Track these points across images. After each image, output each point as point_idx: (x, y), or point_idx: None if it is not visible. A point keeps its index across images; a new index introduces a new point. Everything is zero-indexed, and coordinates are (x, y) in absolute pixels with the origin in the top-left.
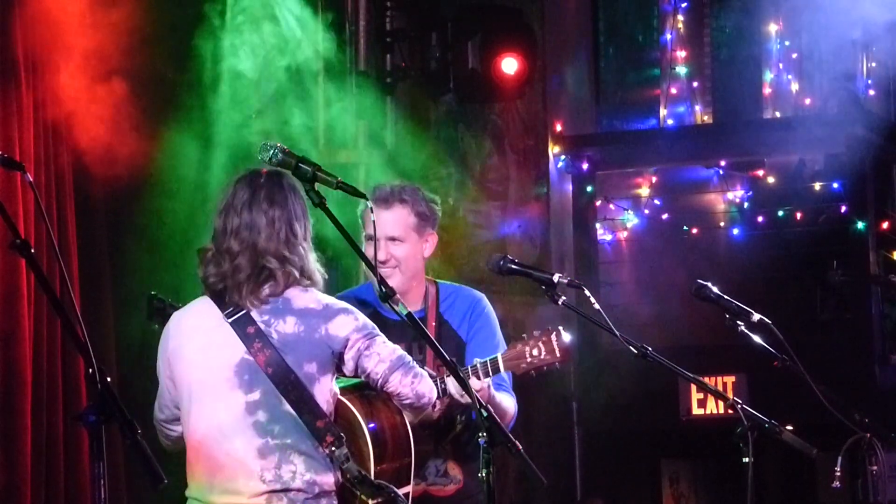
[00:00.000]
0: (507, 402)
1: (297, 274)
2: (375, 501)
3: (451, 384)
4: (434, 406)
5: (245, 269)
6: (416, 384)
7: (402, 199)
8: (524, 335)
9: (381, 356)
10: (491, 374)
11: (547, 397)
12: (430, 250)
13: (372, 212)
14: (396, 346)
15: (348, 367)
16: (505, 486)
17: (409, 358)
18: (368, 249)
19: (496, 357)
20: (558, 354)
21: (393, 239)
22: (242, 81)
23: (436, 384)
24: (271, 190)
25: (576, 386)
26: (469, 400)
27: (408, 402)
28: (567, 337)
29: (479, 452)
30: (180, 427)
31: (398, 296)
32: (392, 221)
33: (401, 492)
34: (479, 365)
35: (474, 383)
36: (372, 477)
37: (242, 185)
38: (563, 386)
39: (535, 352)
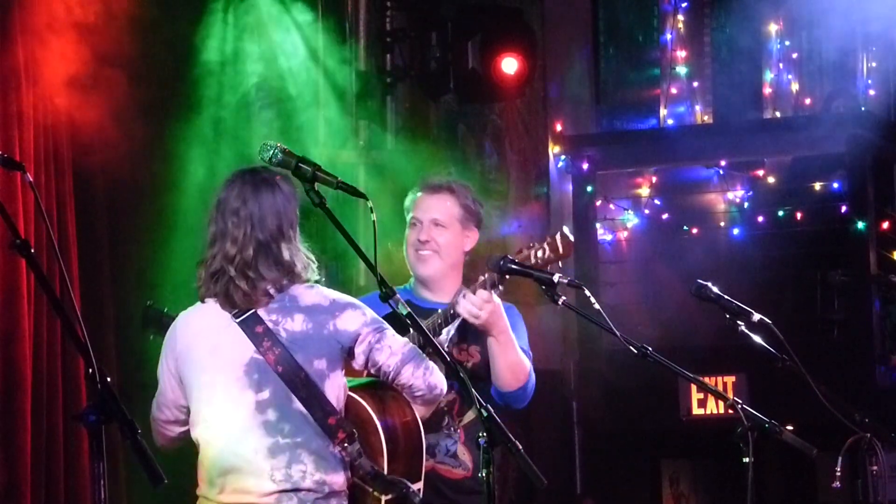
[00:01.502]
0: (522, 355)
1: (297, 269)
2: (388, 498)
3: (464, 310)
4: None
5: (246, 267)
6: (428, 376)
7: (451, 189)
8: (530, 242)
9: (393, 349)
10: (498, 282)
11: (547, 397)
12: (470, 245)
13: (372, 211)
14: (406, 339)
15: (359, 361)
16: (505, 486)
17: (419, 350)
18: (410, 233)
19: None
20: (562, 251)
21: (436, 223)
22: (244, 82)
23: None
24: (262, 187)
25: (576, 386)
26: (487, 314)
27: (419, 393)
28: (570, 234)
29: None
30: (178, 428)
31: (397, 296)
32: (437, 206)
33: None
34: (487, 277)
35: (482, 293)
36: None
37: (234, 185)
38: (563, 386)
39: (539, 253)
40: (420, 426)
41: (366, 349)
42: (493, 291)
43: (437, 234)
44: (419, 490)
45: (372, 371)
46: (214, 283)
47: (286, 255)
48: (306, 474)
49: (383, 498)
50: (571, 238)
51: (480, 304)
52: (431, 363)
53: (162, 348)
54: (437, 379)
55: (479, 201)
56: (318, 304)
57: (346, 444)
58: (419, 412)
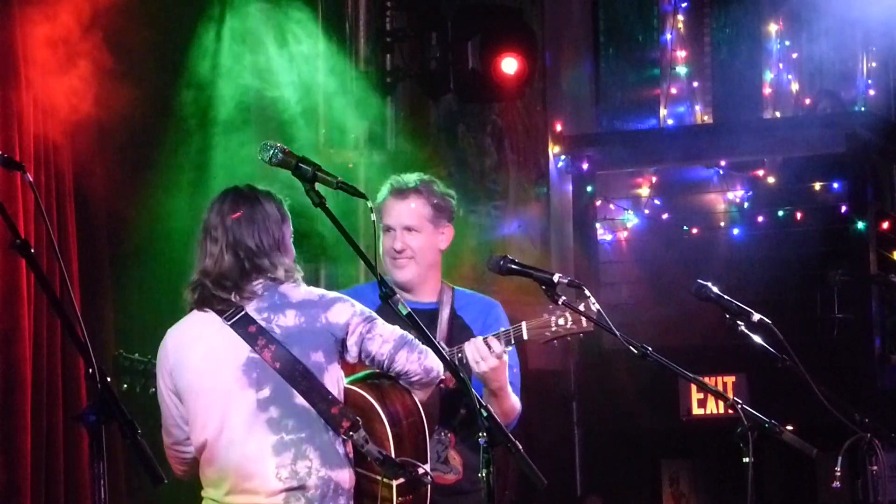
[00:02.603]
0: (514, 399)
1: (285, 271)
2: (399, 482)
3: (469, 352)
4: (446, 382)
5: (235, 268)
6: (423, 359)
7: (418, 191)
8: (551, 305)
9: (384, 337)
10: (514, 342)
11: (547, 397)
12: (445, 243)
13: (372, 211)
14: (396, 326)
15: (352, 353)
16: (505, 486)
17: (410, 336)
18: (385, 240)
19: (520, 325)
20: (584, 323)
21: (409, 229)
22: (244, 82)
23: (453, 357)
24: (243, 206)
25: (576, 386)
26: (488, 368)
27: (416, 378)
28: (594, 304)
29: (480, 451)
30: (192, 445)
31: (398, 296)
32: (407, 211)
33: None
34: (502, 332)
35: (494, 346)
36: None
37: (216, 207)
38: (563, 386)
39: (560, 321)
40: (421, 409)
41: (357, 340)
42: (506, 348)
43: (410, 239)
44: (427, 471)
45: (366, 362)
46: (194, 293)
47: (267, 264)
48: (312, 470)
49: (394, 483)
50: (595, 308)
51: (485, 355)
52: (425, 347)
53: (157, 370)
54: (432, 362)
55: (447, 195)
56: (307, 300)
57: (351, 433)
58: (418, 397)
